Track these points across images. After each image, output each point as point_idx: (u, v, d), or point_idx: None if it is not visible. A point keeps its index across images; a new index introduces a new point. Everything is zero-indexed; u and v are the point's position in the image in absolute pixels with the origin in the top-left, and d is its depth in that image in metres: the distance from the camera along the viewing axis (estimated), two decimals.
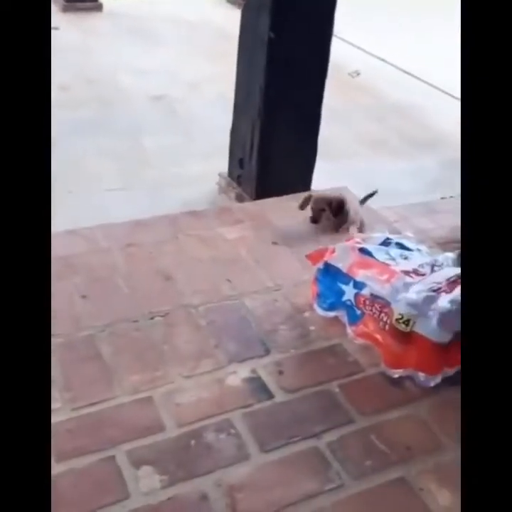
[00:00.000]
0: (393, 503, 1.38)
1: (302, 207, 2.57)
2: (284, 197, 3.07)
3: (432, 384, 1.62)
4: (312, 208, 2.49)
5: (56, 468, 1.38)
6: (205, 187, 3.65)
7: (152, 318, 1.84)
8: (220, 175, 3.74)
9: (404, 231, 2.39)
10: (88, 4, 5.94)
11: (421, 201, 3.38)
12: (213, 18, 6.25)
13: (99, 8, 6.05)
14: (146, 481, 1.37)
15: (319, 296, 1.86)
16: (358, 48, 5.91)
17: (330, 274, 1.80)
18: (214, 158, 3.88)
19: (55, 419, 1.49)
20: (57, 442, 1.43)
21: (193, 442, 1.47)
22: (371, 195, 2.81)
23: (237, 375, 1.66)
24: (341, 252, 1.80)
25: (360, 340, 1.75)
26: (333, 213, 2.45)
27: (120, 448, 1.44)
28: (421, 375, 1.63)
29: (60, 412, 1.51)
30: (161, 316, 1.85)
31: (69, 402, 1.54)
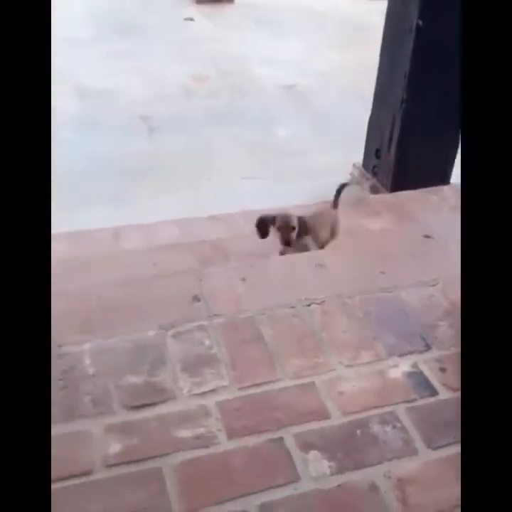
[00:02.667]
0: None
1: (262, 231, 2.24)
2: (422, 190, 2.99)
3: None
4: (280, 228, 2.21)
5: (228, 445, 1.43)
6: (338, 177, 3.61)
7: (308, 305, 1.86)
8: (354, 165, 3.70)
9: None
10: None
11: None
12: (343, 9, 6.18)
13: None
14: (315, 466, 1.39)
15: None
16: None
17: None
18: (346, 148, 3.85)
19: (223, 396, 1.55)
20: (227, 420, 1.49)
21: (358, 432, 1.47)
22: (340, 190, 2.60)
23: (398, 369, 1.64)
24: None
25: None
26: (302, 231, 2.23)
27: (287, 430, 1.46)
28: None
29: (228, 390, 1.56)
30: (317, 304, 1.86)
31: (235, 381, 1.59)
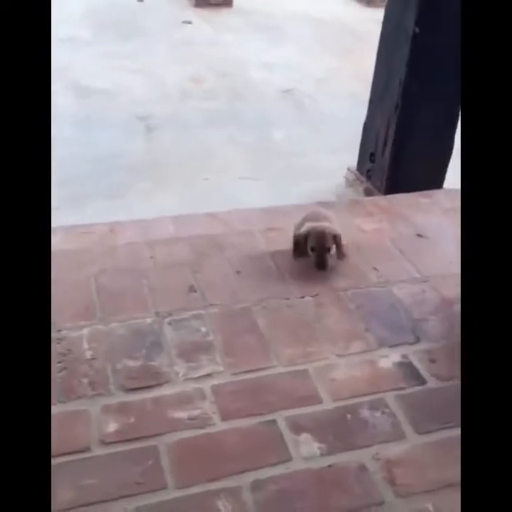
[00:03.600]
0: None
1: (298, 250, 1.98)
2: (415, 193, 3.04)
3: None
4: (313, 249, 1.93)
5: (222, 426, 1.48)
6: (333, 180, 3.69)
7: (302, 297, 1.91)
8: (348, 168, 3.76)
9: None
10: (219, 0, 6.15)
11: None
12: (340, 16, 6.27)
13: (229, 3, 6.24)
14: (306, 447, 1.44)
15: None
16: None
17: None
18: (341, 152, 3.91)
19: (218, 381, 1.59)
20: (221, 403, 1.53)
21: (349, 416, 1.52)
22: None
23: (388, 359, 1.69)
24: None
25: None
26: (340, 252, 1.96)
27: (280, 414, 1.51)
28: None
29: (223, 375, 1.61)
30: (311, 297, 1.91)
31: (230, 367, 1.64)
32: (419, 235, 2.30)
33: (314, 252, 1.94)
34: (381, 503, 1.33)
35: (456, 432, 1.48)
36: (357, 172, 3.68)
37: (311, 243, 1.94)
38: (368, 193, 3.51)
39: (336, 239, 1.96)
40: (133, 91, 4.57)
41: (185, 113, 4.29)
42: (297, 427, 1.48)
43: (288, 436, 1.46)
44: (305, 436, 1.46)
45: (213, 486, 1.34)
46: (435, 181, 3.18)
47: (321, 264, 1.93)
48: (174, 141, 3.96)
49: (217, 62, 5.07)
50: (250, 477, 1.36)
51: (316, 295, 1.92)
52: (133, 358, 1.64)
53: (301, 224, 2.04)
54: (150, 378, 1.58)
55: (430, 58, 2.89)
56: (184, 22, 5.71)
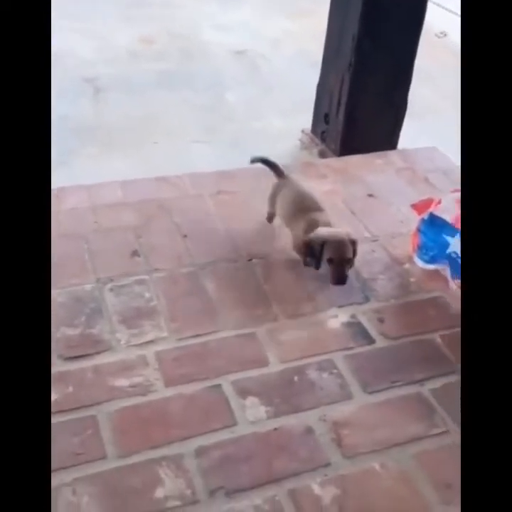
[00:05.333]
0: None
1: (309, 256, 1.71)
2: (369, 154, 3.00)
3: None
4: (331, 261, 1.66)
5: (165, 392, 1.43)
6: (287, 142, 3.62)
7: (251, 260, 1.85)
8: (303, 131, 3.69)
9: None
10: None
11: None
12: None
13: None
14: (252, 411, 1.40)
15: (421, 248, 1.82)
16: (445, 8, 5.68)
17: (435, 226, 1.76)
18: (295, 114, 3.84)
19: (161, 347, 1.54)
20: (165, 369, 1.48)
21: (296, 378, 1.48)
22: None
23: (337, 319, 1.66)
24: (448, 203, 1.75)
25: None
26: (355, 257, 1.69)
27: (226, 378, 1.47)
28: None
29: (167, 341, 1.56)
30: (260, 258, 1.86)
31: (175, 332, 1.58)
32: (370, 195, 2.27)
33: (332, 264, 1.66)
34: (327, 465, 1.31)
35: (403, 391, 1.47)
36: (312, 134, 3.61)
37: (328, 254, 1.66)
38: (323, 155, 3.46)
39: (354, 245, 1.69)
40: (80, 52, 4.38)
41: (135, 75, 4.14)
42: (243, 391, 1.44)
43: (234, 400, 1.42)
44: (251, 400, 1.42)
45: (155, 454, 1.29)
46: (390, 141, 3.14)
47: (341, 279, 1.66)
48: (123, 104, 3.81)
49: (169, 23, 4.89)
50: (194, 444, 1.32)
51: (265, 257, 1.87)
52: (72, 326, 1.57)
53: (275, 192, 1.98)
54: (90, 346, 1.52)
55: (383, 15, 2.82)
56: None
